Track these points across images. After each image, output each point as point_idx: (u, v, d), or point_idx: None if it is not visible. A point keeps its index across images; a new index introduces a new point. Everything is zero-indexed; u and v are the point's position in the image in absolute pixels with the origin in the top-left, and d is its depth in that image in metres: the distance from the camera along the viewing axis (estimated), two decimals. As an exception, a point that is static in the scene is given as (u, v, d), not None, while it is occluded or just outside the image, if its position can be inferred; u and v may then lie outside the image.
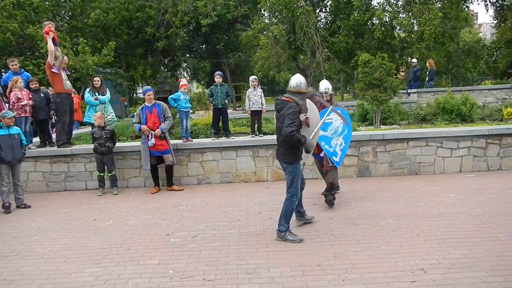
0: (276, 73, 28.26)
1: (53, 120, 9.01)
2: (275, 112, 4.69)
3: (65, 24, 20.17)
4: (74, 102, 11.06)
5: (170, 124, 7.29)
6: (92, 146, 7.41)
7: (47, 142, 8.22)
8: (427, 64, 17.08)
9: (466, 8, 24.15)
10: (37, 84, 8.36)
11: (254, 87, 8.35)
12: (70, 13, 20.69)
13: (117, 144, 7.82)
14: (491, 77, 32.35)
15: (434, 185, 6.77)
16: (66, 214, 6.12)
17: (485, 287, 3.41)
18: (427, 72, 16.96)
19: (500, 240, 4.36)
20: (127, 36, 22.87)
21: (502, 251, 4.09)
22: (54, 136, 8.40)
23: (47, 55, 7.76)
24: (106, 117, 8.16)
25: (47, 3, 19.78)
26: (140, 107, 7.24)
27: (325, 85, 6.17)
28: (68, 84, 8.00)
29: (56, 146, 7.88)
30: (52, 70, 7.63)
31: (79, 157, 7.68)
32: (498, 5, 27.32)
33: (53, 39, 7.67)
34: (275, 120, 4.80)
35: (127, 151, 7.67)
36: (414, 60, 17.28)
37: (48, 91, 8.93)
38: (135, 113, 7.40)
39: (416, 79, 16.52)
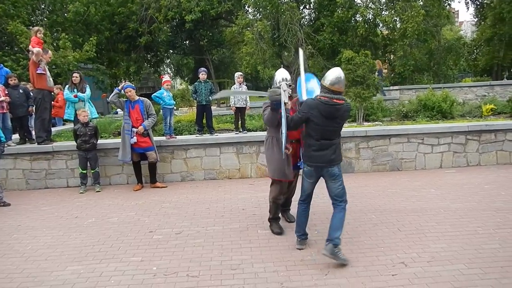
0: (262, 69, 28.29)
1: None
2: (322, 114, 3.80)
3: (45, 19, 19.78)
4: (60, 99, 10.98)
5: (153, 121, 7.21)
6: (73, 143, 7.30)
7: (27, 139, 8.07)
8: (376, 64, 16.98)
9: (448, 6, 24.59)
10: (16, 80, 8.20)
11: (240, 84, 8.35)
12: (50, 8, 20.31)
13: (100, 141, 7.72)
14: (471, 75, 33.02)
15: (415, 181, 6.88)
16: (47, 212, 6.03)
17: (464, 279, 3.49)
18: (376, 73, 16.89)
19: (478, 234, 4.47)
20: (109, 32, 22.57)
21: (480, 244, 4.19)
22: (34, 133, 8.25)
23: (28, 52, 7.63)
24: None
25: (26, -4, 19.35)
26: (124, 99, 7.14)
27: (283, 74, 4.58)
28: (51, 81, 7.89)
29: (36, 143, 7.74)
30: (37, 71, 7.50)
31: (60, 154, 7.55)
32: (478, 3, 27.88)
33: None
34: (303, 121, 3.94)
35: (109, 148, 7.57)
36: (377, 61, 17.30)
37: (28, 86, 8.75)
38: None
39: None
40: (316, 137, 3.92)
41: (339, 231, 3.91)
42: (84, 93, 8.10)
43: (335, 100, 3.79)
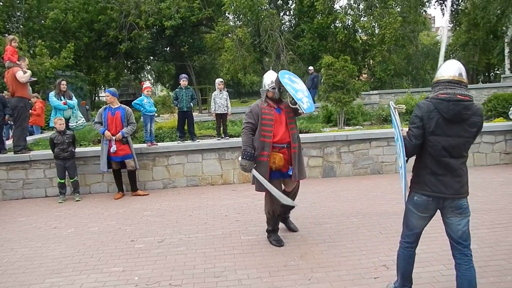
0: (243, 76, 28.38)
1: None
2: (443, 119, 2.79)
3: (20, 26, 19.42)
4: (38, 107, 10.82)
5: (133, 130, 7.14)
6: (51, 151, 7.15)
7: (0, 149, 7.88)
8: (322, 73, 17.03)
9: (424, 13, 25.19)
10: (-7, 89, 8.04)
11: (220, 90, 8.36)
12: (26, 15, 19.95)
13: (79, 149, 7.61)
14: (448, 79, 33.72)
15: (396, 184, 6.95)
16: (25, 223, 5.88)
17: (444, 280, 3.55)
18: (320, 80, 16.94)
19: (457, 235, 4.54)
20: (88, 39, 22.30)
21: (459, 245, 4.26)
22: (7, 142, 8.10)
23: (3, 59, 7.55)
24: (77, 122, 8.11)
25: (1, 3, 19.02)
26: (104, 107, 7.07)
27: (272, 77, 4.52)
28: (30, 89, 7.84)
29: (12, 153, 7.56)
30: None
31: (38, 163, 7.39)
32: (453, 9, 28.58)
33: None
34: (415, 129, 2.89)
35: (89, 156, 7.45)
36: (311, 67, 17.30)
37: (4, 95, 8.57)
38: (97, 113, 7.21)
39: (314, 86, 16.76)
40: (436, 154, 2.84)
41: None
42: (71, 100, 8.09)
43: (460, 96, 2.75)
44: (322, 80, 12.20)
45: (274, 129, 4.32)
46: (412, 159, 3.03)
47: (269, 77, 4.55)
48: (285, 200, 4.26)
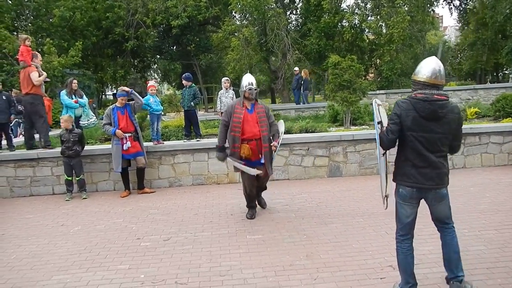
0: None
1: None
2: (423, 117, 3.01)
3: (29, 24, 19.56)
4: (45, 105, 10.91)
5: (141, 101, 7.26)
6: (58, 149, 7.20)
7: (8, 146, 7.95)
8: (302, 73, 16.88)
9: (432, 12, 25.01)
10: (0, 86, 8.11)
11: (226, 89, 8.38)
12: (34, 13, 20.09)
13: (86, 147, 7.63)
14: (455, 78, 33.54)
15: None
16: (32, 220, 5.93)
17: (451, 282, 3.52)
18: (302, 82, 16.83)
19: (464, 236, 4.50)
20: (95, 37, 22.41)
21: (466, 246, 4.22)
22: (15, 140, 8.19)
23: (14, 57, 7.65)
24: (88, 120, 8.21)
25: (10, 2, 19.17)
26: (111, 107, 7.09)
27: (249, 79, 5.27)
28: (43, 87, 7.98)
29: (24, 150, 7.66)
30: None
31: (45, 160, 7.44)
32: (461, 9, 28.41)
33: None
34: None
35: (96, 154, 7.49)
36: (296, 68, 17.32)
37: (12, 93, 8.68)
38: (104, 114, 7.23)
39: (299, 87, 16.75)
40: (416, 148, 3.07)
41: (461, 262, 3.24)
42: (82, 99, 8.20)
43: (436, 96, 2.97)
44: (328, 80, 12.15)
45: (242, 127, 5.11)
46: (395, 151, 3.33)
47: (246, 79, 5.24)
48: (251, 171, 5.14)
